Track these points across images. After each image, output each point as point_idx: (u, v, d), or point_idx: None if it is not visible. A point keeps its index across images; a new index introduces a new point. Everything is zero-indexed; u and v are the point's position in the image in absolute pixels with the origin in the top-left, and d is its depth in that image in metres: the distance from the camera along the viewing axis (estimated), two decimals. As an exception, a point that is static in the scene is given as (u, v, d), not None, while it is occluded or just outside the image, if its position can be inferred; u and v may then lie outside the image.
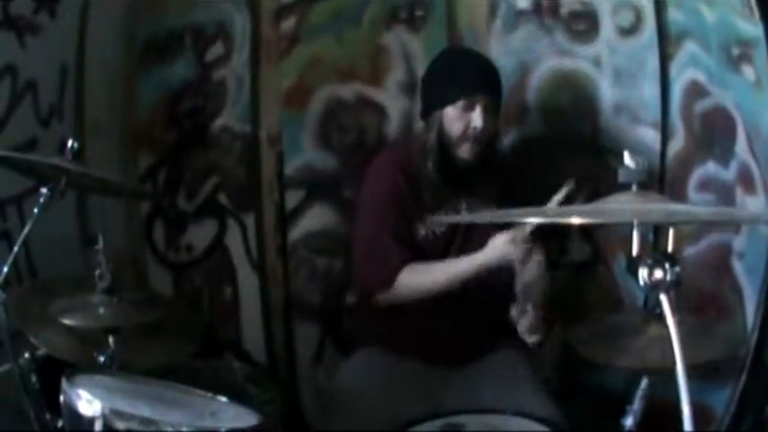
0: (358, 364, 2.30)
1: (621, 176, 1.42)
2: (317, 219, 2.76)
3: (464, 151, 2.22)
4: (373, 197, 2.29)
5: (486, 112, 2.20)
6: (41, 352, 1.90)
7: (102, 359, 1.82)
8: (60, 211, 2.20)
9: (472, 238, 2.27)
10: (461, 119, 2.21)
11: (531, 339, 2.08)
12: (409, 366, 2.24)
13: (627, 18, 2.54)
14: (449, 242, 2.27)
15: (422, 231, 2.26)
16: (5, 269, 1.88)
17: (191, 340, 2.11)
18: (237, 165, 2.77)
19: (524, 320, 2.07)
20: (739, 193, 2.37)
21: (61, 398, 1.61)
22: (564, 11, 2.60)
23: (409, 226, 2.24)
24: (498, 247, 2.09)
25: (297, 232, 2.77)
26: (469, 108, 2.20)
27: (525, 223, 2.07)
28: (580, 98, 2.61)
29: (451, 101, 2.21)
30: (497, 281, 2.25)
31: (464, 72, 2.26)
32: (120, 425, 1.52)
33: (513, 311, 2.10)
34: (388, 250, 2.21)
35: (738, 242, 2.42)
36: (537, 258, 2.28)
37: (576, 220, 1.47)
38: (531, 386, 2.13)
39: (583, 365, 2.55)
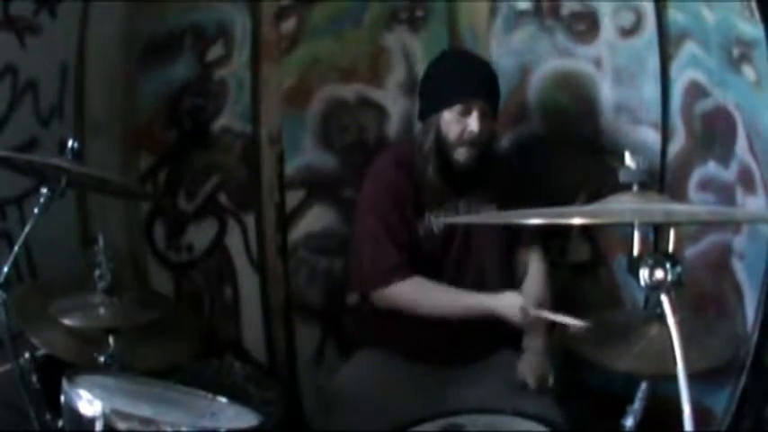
0: (359, 365, 2.30)
1: (622, 176, 1.42)
2: (317, 219, 2.76)
3: (461, 155, 2.22)
4: (373, 197, 2.29)
5: (483, 116, 2.20)
6: (41, 352, 1.89)
7: (102, 359, 1.82)
8: (60, 211, 2.20)
9: (471, 240, 2.27)
10: (458, 123, 2.20)
11: (544, 386, 2.11)
12: (410, 367, 2.24)
13: (627, 18, 2.54)
14: (448, 243, 2.27)
15: (421, 232, 2.26)
16: (6, 269, 1.88)
17: (191, 340, 2.11)
18: (238, 165, 2.77)
19: (531, 373, 2.11)
20: (739, 193, 2.37)
21: (61, 398, 1.61)
22: (564, 11, 2.60)
23: (408, 226, 2.24)
24: (510, 306, 2.08)
25: (297, 232, 2.77)
26: (466, 112, 2.20)
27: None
28: (580, 98, 2.61)
29: (449, 105, 2.21)
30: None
31: (461, 76, 2.26)
32: (120, 425, 1.52)
33: (521, 369, 2.13)
34: (386, 250, 2.21)
35: (738, 242, 2.42)
36: (538, 270, 2.31)
37: (576, 221, 1.47)
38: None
39: (583, 365, 2.55)
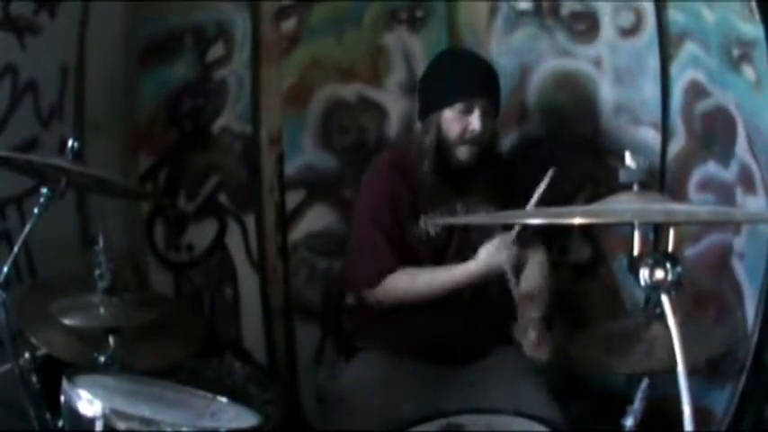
0: (359, 365, 2.30)
1: (622, 176, 1.41)
2: (317, 219, 2.76)
3: (462, 153, 2.22)
4: (369, 197, 2.29)
5: (484, 115, 2.20)
6: (41, 352, 1.89)
7: (102, 359, 1.82)
8: (60, 211, 2.20)
9: (469, 240, 2.27)
10: (459, 121, 2.20)
11: (539, 358, 2.08)
12: (410, 366, 2.24)
13: (627, 18, 2.55)
14: (445, 244, 2.27)
15: (418, 232, 2.25)
16: (5, 269, 1.88)
17: (191, 340, 2.10)
18: (238, 165, 2.77)
19: (528, 338, 2.07)
20: (739, 192, 2.37)
21: (61, 398, 1.61)
22: (564, 11, 2.61)
23: (404, 227, 2.24)
24: (488, 254, 2.09)
25: (297, 232, 2.77)
26: (468, 111, 2.20)
27: (519, 225, 2.08)
28: (580, 98, 2.61)
29: (450, 103, 2.21)
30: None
31: (463, 74, 2.26)
32: (120, 425, 1.52)
33: (516, 331, 2.10)
34: (379, 250, 2.20)
35: (738, 242, 2.42)
36: (538, 260, 2.30)
37: (576, 221, 1.47)
38: (532, 386, 2.13)
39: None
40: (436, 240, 2.27)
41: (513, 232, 2.08)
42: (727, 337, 1.91)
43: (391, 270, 2.19)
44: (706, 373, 2.30)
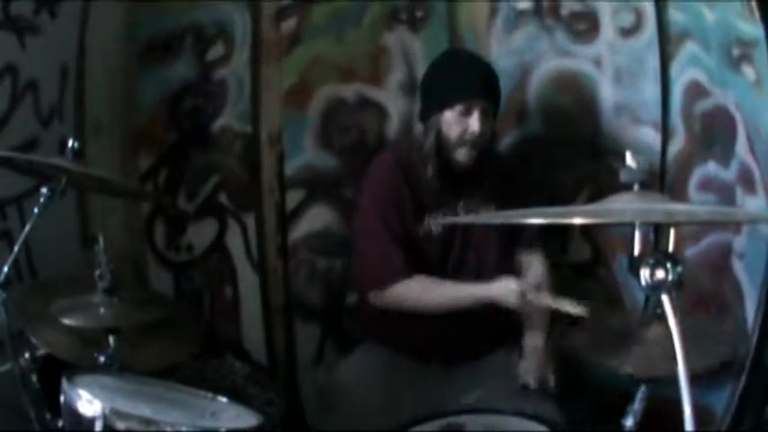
0: (358, 363, 2.30)
1: (623, 176, 1.41)
2: (317, 219, 2.76)
3: (461, 155, 2.22)
4: (373, 196, 2.29)
5: (484, 116, 2.20)
6: (41, 352, 1.89)
7: (102, 359, 1.82)
8: (60, 211, 2.20)
9: (471, 241, 2.28)
10: (459, 123, 2.21)
11: (546, 387, 2.10)
12: (409, 365, 2.24)
13: (627, 18, 2.54)
14: (448, 243, 2.27)
15: (420, 233, 2.25)
16: (6, 269, 1.88)
17: (191, 340, 2.11)
18: (238, 165, 2.77)
19: (532, 374, 2.10)
20: (740, 192, 2.37)
21: (61, 398, 1.62)
22: (564, 11, 2.60)
23: (408, 226, 2.24)
24: (508, 292, 2.06)
25: (297, 232, 2.77)
26: (467, 112, 2.20)
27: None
28: (580, 98, 2.61)
29: (450, 105, 2.21)
30: None
31: (463, 76, 2.26)
32: (120, 425, 1.52)
33: (521, 370, 2.12)
34: (391, 252, 2.20)
35: (738, 242, 2.42)
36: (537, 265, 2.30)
37: (577, 221, 1.47)
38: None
39: (583, 366, 2.56)
40: (439, 240, 2.27)
41: (544, 301, 2.07)
42: (728, 346, 1.91)
43: (401, 271, 2.18)
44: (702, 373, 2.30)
